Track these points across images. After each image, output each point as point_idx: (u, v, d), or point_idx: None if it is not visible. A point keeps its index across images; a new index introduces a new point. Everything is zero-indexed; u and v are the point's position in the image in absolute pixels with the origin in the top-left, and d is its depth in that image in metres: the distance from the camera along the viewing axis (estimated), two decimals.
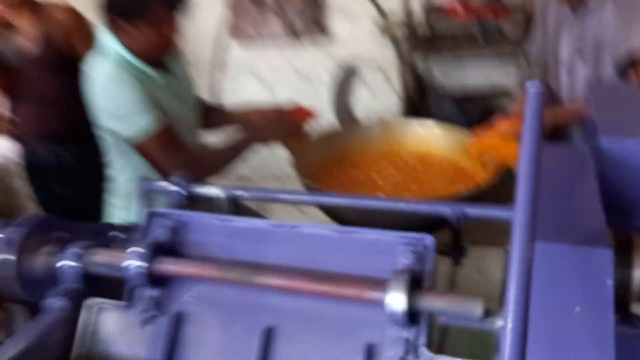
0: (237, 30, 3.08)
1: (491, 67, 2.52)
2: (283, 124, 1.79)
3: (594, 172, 0.93)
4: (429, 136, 2.02)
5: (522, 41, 2.12)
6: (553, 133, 1.75)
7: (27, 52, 2.29)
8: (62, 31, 2.31)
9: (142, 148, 1.68)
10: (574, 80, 1.80)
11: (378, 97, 2.98)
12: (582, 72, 1.75)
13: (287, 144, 1.76)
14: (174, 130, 1.71)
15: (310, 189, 1.58)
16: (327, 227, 0.88)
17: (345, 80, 2.95)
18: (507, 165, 1.68)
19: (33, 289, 0.96)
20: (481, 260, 1.84)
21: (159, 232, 0.93)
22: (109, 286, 0.99)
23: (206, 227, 0.94)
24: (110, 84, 1.65)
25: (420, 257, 0.81)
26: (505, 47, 2.21)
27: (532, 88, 0.72)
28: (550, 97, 1.94)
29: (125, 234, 1.26)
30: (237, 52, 3.18)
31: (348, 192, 1.74)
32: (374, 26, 2.73)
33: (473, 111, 2.37)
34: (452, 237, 1.10)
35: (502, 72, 2.50)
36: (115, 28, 1.65)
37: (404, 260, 0.81)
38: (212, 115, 2.02)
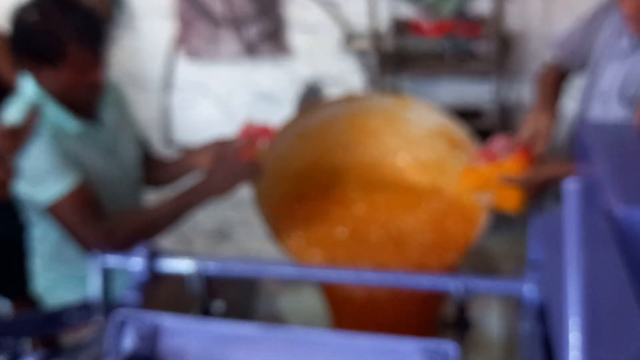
0: (189, 46, 2.92)
1: (464, 87, 2.45)
2: (231, 167, 1.54)
3: (616, 250, 0.85)
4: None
5: (497, 60, 2.06)
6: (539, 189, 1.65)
7: None
8: None
9: (53, 213, 1.47)
10: (607, 114, 1.70)
11: None
12: (615, 111, 1.66)
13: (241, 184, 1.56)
14: (90, 192, 1.48)
15: (275, 230, 1.49)
16: (329, 333, 0.76)
17: (308, 99, 2.84)
18: (502, 209, 1.60)
19: None
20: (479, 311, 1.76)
21: (132, 340, 0.79)
22: None
23: (185, 332, 0.80)
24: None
25: None
26: (478, 66, 2.14)
27: (571, 185, 0.63)
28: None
29: (78, 317, 1.12)
30: (188, 70, 3.02)
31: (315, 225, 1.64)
32: (337, 42, 2.62)
33: None
34: (456, 310, 1.00)
35: (477, 92, 2.44)
36: (31, 69, 1.46)
37: None
38: (155, 169, 1.80)
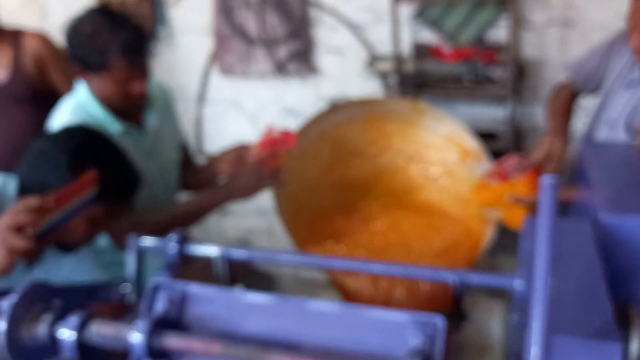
0: (223, 62, 3.08)
1: (481, 109, 2.55)
2: (253, 171, 1.60)
3: (595, 248, 0.94)
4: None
5: (512, 85, 2.16)
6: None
7: None
8: (33, 59, 2.18)
9: None
10: (613, 140, 1.75)
11: None
12: (621, 138, 1.71)
13: (263, 189, 1.62)
14: None
15: (298, 243, 1.56)
16: (335, 304, 0.87)
17: None
18: (509, 226, 1.68)
19: None
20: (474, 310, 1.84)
21: (163, 305, 0.92)
22: (105, 358, 0.97)
23: (211, 299, 0.92)
24: None
25: (430, 338, 0.81)
26: (494, 90, 2.24)
27: (547, 180, 0.73)
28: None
29: (116, 293, 1.25)
30: (222, 85, 3.18)
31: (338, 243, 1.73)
32: (362, 63, 2.75)
33: None
34: (453, 302, 1.10)
35: (492, 115, 2.54)
36: (80, 75, 1.61)
37: (414, 340, 0.81)
38: (190, 173, 1.93)
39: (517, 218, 1.65)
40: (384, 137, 2.03)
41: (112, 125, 1.64)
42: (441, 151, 1.97)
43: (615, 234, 0.99)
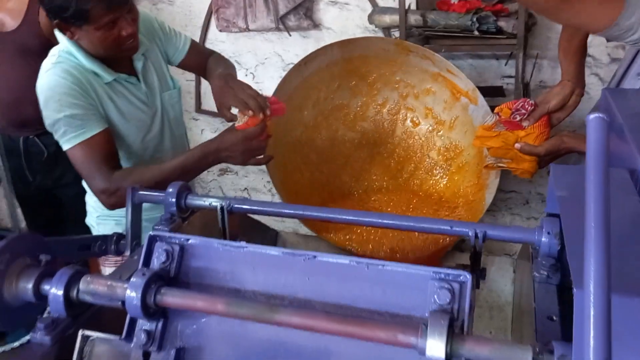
0: (223, 19, 2.95)
1: (488, 65, 2.45)
2: (241, 150, 1.49)
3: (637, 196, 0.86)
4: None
5: (522, 37, 2.05)
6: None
7: (5, 27, 2.14)
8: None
9: (70, 160, 1.53)
10: None
11: None
12: None
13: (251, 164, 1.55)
14: (104, 145, 1.51)
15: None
16: (349, 258, 0.79)
17: None
18: (515, 173, 1.60)
19: (9, 318, 0.86)
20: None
21: (161, 259, 0.84)
22: (99, 315, 0.90)
23: (213, 253, 0.84)
24: (47, 91, 1.50)
25: (456, 296, 0.73)
26: (503, 42, 2.13)
27: (596, 116, 0.64)
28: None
29: (110, 245, 1.17)
30: (222, 42, 3.05)
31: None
32: (365, 16, 2.62)
33: None
34: (472, 258, 1.03)
35: (499, 71, 2.43)
36: (65, 33, 1.49)
37: (438, 298, 0.73)
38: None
39: (524, 166, 1.57)
40: (368, 80, 1.92)
41: (103, 74, 1.55)
42: (431, 91, 1.87)
43: None
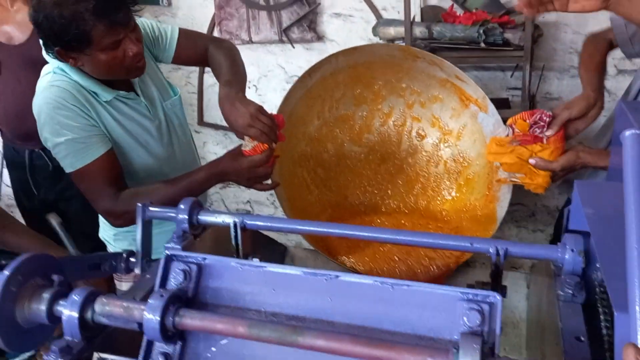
0: (226, 31, 2.94)
1: (494, 77, 2.44)
2: (246, 178, 1.49)
3: None
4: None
5: (528, 49, 2.05)
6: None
7: (13, 40, 2.14)
8: None
9: (73, 180, 1.51)
10: None
11: None
12: None
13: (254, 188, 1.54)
14: (108, 166, 1.48)
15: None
16: (373, 278, 0.77)
17: None
18: (528, 188, 1.58)
19: (20, 340, 0.83)
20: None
21: (178, 279, 0.81)
22: (113, 337, 0.87)
23: (231, 272, 0.82)
24: (45, 113, 1.44)
25: (486, 317, 0.71)
26: (510, 54, 2.12)
27: (630, 132, 0.63)
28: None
29: (120, 263, 1.14)
30: None
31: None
32: (369, 28, 2.61)
33: None
34: (492, 275, 1.00)
35: (505, 83, 2.42)
36: (65, 59, 1.41)
37: (468, 320, 0.71)
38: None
39: (537, 180, 1.54)
40: (373, 88, 1.90)
41: (101, 93, 1.50)
42: (439, 98, 1.85)
43: None
